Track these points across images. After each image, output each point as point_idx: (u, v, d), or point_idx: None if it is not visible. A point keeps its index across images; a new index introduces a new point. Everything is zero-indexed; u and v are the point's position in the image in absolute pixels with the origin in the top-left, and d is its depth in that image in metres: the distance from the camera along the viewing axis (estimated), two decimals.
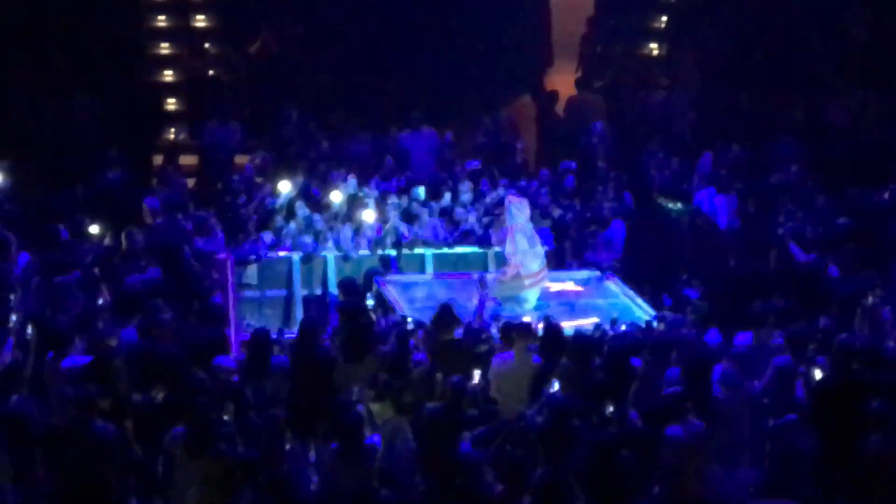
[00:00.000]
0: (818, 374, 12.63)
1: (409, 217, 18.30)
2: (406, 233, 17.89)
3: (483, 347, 13.45)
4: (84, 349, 12.81)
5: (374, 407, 12.08)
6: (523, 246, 16.18)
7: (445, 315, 13.69)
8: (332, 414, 11.79)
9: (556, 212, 18.78)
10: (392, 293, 16.33)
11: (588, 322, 15.18)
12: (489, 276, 16.28)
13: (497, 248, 17.38)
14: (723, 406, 12.07)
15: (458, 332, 13.71)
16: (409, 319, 14.61)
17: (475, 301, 15.23)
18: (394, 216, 17.99)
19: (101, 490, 10.81)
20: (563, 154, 21.01)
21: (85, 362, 12.39)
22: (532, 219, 16.81)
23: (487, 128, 21.34)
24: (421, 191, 18.91)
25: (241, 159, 20.06)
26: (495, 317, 15.13)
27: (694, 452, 11.18)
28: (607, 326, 14.81)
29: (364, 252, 17.73)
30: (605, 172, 20.19)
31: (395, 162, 19.94)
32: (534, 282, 16.18)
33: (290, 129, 20.70)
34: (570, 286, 17.04)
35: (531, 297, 16.16)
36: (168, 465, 11.30)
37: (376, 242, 17.78)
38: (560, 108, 22.77)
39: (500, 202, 17.85)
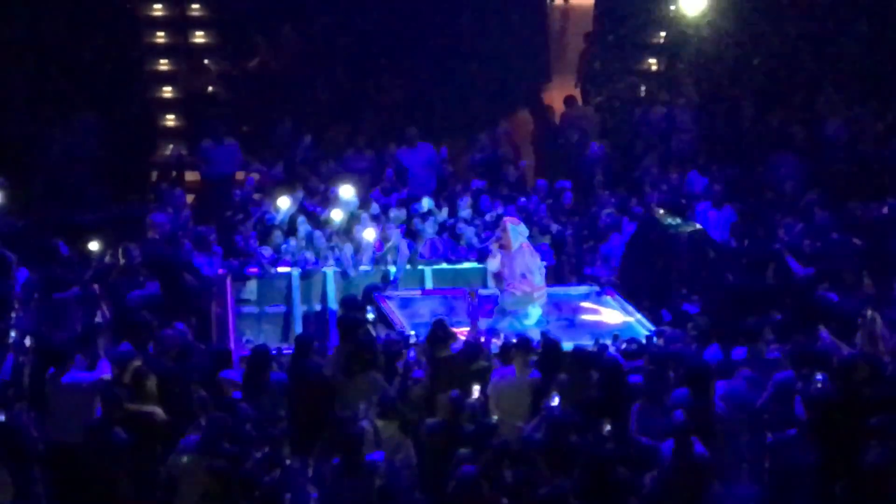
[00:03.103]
0: (818, 389, 12.59)
1: (410, 233, 18.29)
2: (406, 249, 17.87)
3: (482, 363, 13.42)
4: (86, 366, 12.80)
5: (380, 423, 12.04)
6: (522, 267, 16.16)
7: (439, 330, 13.67)
8: (333, 429, 11.77)
9: (555, 227, 18.77)
10: (391, 309, 16.33)
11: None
12: (482, 292, 16.31)
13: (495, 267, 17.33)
14: (723, 421, 12.06)
15: (455, 347, 13.69)
16: (413, 333, 14.60)
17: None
18: (395, 233, 17.98)
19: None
20: (561, 169, 21.02)
21: (85, 379, 12.40)
22: (531, 235, 16.81)
23: (483, 143, 21.35)
24: (425, 202, 18.87)
25: (239, 175, 20.06)
26: (493, 332, 15.11)
27: (694, 470, 11.18)
28: (607, 342, 14.79)
29: (364, 268, 17.73)
30: (603, 188, 20.19)
31: (394, 177, 19.94)
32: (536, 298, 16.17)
33: (290, 145, 20.71)
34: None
35: (533, 313, 16.13)
36: (168, 480, 11.28)
37: (377, 258, 17.77)
38: (557, 123, 22.76)
39: (499, 218, 17.82)
